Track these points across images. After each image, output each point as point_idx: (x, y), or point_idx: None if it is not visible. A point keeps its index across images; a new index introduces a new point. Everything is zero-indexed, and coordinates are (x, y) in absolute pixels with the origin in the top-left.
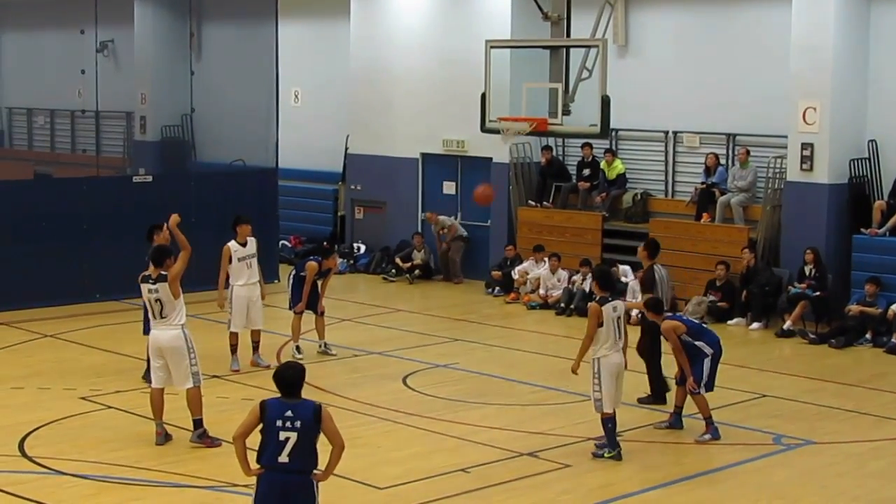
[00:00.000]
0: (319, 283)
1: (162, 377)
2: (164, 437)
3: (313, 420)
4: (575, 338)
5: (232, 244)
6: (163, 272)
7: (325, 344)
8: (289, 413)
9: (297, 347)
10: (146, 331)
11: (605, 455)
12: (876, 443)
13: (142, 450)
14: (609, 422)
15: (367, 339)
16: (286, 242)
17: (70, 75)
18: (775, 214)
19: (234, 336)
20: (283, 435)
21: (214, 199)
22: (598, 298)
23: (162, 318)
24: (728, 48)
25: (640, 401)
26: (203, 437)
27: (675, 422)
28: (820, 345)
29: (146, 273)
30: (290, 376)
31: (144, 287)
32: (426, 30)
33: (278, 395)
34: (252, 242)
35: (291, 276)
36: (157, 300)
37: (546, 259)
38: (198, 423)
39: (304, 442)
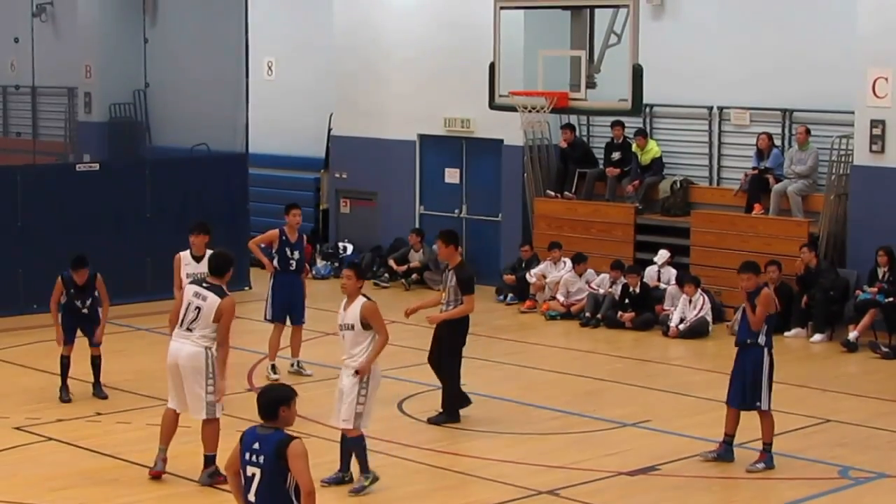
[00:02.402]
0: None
1: (176, 398)
2: (162, 464)
3: (275, 456)
4: (602, 353)
5: (184, 255)
6: (222, 285)
7: (299, 362)
8: (256, 445)
9: (273, 367)
10: (69, 340)
11: (367, 483)
12: None
13: (88, 489)
14: (363, 440)
15: None
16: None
17: (1, 44)
18: (840, 205)
19: None
20: (249, 470)
21: (173, 190)
22: (364, 294)
23: (188, 329)
24: (784, 8)
25: (432, 421)
26: (215, 476)
27: (725, 452)
28: (894, 360)
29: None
30: (265, 400)
31: (192, 288)
32: None
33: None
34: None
35: (271, 281)
36: (197, 308)
37: (565, 260)
38: (210, 460)
39: (269, 481)
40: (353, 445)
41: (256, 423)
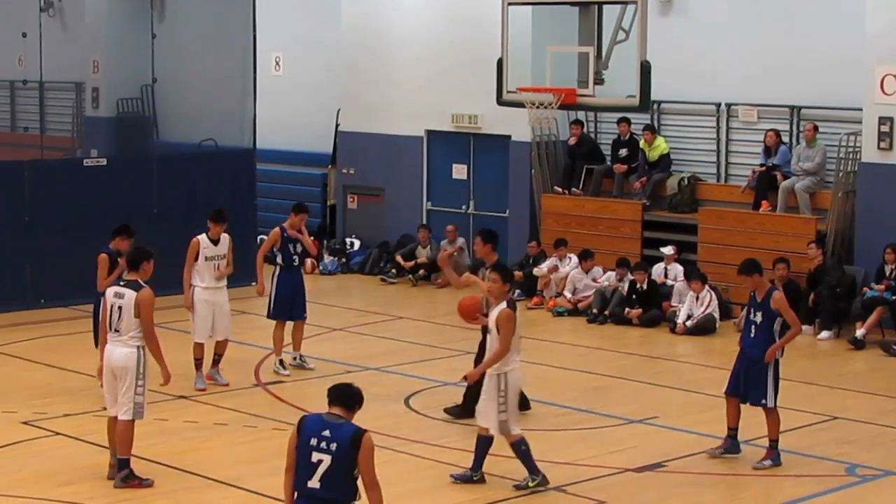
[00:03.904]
0: (301, 262)
1: (113, 402)
2: (117, 471)
3: (350, 445)
4: (609, 350)
5: (202, 238)
6: (138, 278)
7: (301, 356)
8: (326, 433)
9: (281, 362)
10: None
11: (531, 484)
12: None
13: (94, 483)
14: (522, 444)
15: (363, 353)
16: (266, 238)
17: (9, 39)
18: (848, 202)
19: (198, 348)
20: (315, 456)
21: (180, 186)
22: (508, 300)
23: (115, 331)
24: (792, 4)
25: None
26: (128, 480)
27: (732, 446)
28: None
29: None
30: (353, 390)
31: (112, 290)
32: None
33: (321, 410)
34: (225, 241)
35: (275, 278)
36: (119, 308)
37: (571, 256)
38: (123, 464)
39: (339, 468)
40: (514, 451)
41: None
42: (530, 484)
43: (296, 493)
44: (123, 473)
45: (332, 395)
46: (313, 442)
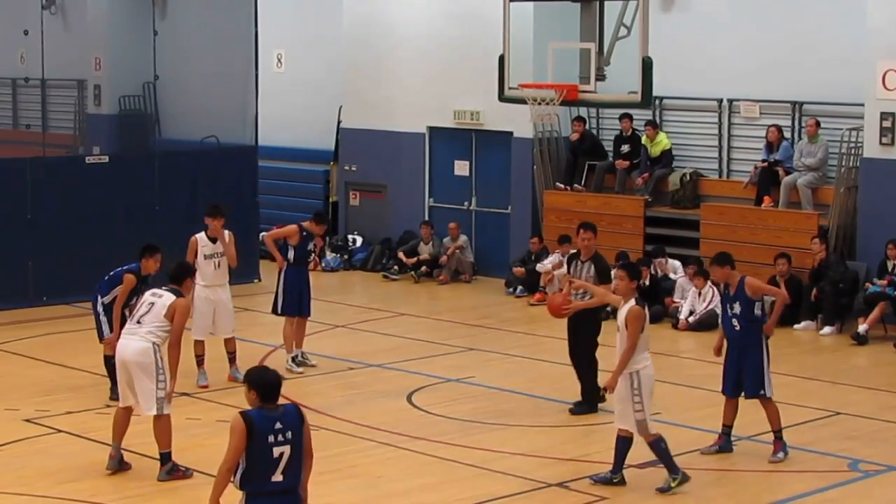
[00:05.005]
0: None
1: (129, 395)
2: (117, 462)
3: (301, 426)
4: (612, 346)
5: (200, 237)
6: (178, 288)
7: (303, 353)
8: (278, 425)
9: (293, 359)
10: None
11: (672, 485)
12: None
13: (97, 481)
14: (662, 442)
15: (365, 349)
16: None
17: (10, 36)
18: (850, 197)
19: (198, 345)
20: (277, 451)
21: (182, 183)
22: (636, 297)
23: (137, 322)
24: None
25: (573, 411)
26: (173, 472)
27: (725, 444)
28: None
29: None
30: (277, 381)
31: (150, 290)
32: None
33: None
34: (225, 238)
35: (282, 274)
36: (151, 304)
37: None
38: (165, 457)
39: (297, 451)
40: (653, 450)
41: (248, 409)
42: (672, 485)
43: (248, 494)
44: (168, 466)
45: (263, 390)
46: (271, 439)
